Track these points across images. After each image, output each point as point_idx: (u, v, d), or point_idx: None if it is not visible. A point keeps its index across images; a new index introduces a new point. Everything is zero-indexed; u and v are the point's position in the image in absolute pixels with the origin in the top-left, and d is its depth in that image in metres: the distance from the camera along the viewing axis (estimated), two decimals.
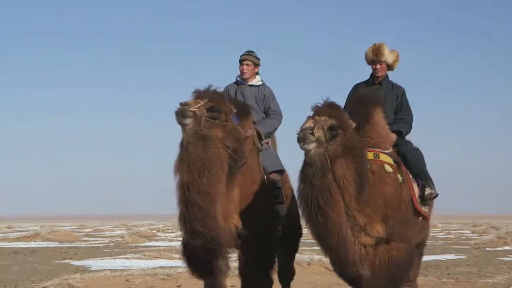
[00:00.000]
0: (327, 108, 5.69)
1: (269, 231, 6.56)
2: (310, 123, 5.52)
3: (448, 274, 12.47)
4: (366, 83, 7.06)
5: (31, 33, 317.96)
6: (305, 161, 5.60)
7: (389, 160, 6.11)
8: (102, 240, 28.57)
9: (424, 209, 6.54)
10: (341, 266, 5.78)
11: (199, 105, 5.86)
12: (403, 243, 6.05)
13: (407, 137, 6.88)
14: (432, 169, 6.73)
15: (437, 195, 6.67)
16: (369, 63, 6.97)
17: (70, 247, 22.33)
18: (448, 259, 16.83)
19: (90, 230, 46.34)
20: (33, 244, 24.34)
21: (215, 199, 5.86)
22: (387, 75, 7.03)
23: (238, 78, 7.39)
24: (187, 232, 5.94)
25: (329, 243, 5.64)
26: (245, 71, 7.28)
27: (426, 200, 6.55)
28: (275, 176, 6.69)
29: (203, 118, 5.84)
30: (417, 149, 6.77)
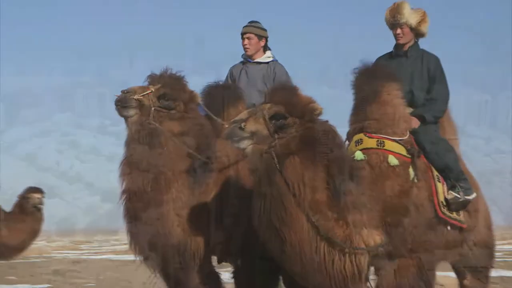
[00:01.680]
0: (273, 92, 4.48)
1: (253, 241, 4.79)
2: (243, 115, 4.30)
3: None
4: (389, 54, 5.68)
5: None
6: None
7: (400, 149, 4.79)
8: None
9: (456, 215, 5.02)
10: None
11: (147, 92, 4.93)
12: (413, 259, 4.66)
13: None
14: None
15: (465, 200, 5.08)
16: (390, 28, 5.60)
17: None
18: None
19: None
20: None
21: (165, 212, 4.85)
22: (416, 42, 5.59)
23: (243, 56, 6.32)
24: (138, 254, 4.98)
25: (293, 270, 4.41)
26: (247, 46, 6.18)
27: (452, 205, 5.01)
28: None
29: (153, 108, 4.90)
30: (441, 139, 5.35)
